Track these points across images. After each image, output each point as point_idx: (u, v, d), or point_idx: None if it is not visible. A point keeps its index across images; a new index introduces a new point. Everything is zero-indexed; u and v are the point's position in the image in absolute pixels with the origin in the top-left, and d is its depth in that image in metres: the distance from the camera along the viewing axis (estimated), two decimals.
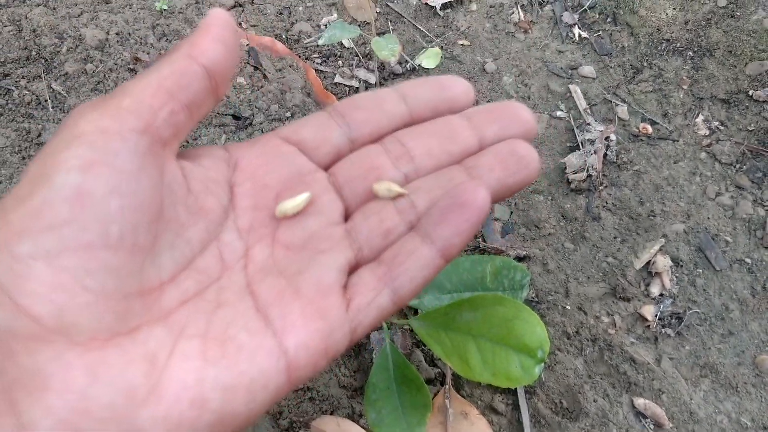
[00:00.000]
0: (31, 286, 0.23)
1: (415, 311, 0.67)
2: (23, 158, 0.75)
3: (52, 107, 0.79)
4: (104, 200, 0.25)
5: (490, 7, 0.95)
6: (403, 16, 0.94)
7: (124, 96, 0.27)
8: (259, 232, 0.31)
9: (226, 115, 0.80)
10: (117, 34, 0.86)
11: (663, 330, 0.67)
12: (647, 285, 0.71)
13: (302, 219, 0.31)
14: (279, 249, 0.31)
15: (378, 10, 0.94)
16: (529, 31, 0.93)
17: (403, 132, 0.34)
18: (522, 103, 0.34)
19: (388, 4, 0.94)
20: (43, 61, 0.83)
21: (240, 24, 0.90)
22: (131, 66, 0.83)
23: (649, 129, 0.82)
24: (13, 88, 0.80)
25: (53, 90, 0.80)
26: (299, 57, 0.87)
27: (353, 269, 0.31)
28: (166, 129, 0.28)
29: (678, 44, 0.90)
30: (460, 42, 0.91)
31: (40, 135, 0.76)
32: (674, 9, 0.92)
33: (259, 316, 0.28)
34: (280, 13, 0.92)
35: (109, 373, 0.24)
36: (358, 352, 0.65)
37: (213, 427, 0.25)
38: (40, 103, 0.79)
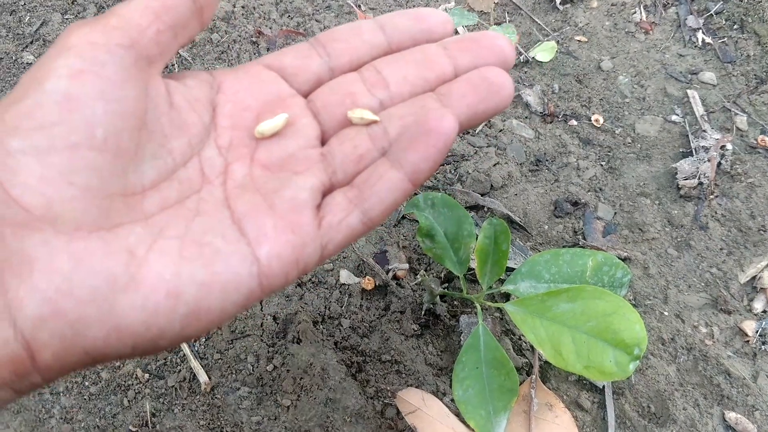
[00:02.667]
0: (21, 179, 0.26)
1: (507, 298, 0.67)
2: None
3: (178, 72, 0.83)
4: (90, 105, 0.27)
5: (612, 5, 0.93)
6: (521, 8, 0.93)
7: (113, 15, 0.29)
8: (239, 150, 0.33)
9: None
10: (243, 7, 0.90)
11: (763, 347, 0.65)
12: (750, 300, 0.68)
13: (280, 140, 0.33)
14: (257, 167, 0.32)
15: (496, 0, 0.94)
16: (650, 32, 0.91)
17: (381, 60, 0.35)
18: (499, 33, 0.35)
19: None
20: None
21: (359, 6, 0.92)
22: (254, 39, 0.87)
23: None
24: None
25: (180, 55, 0.85)
26: None
27: (327, 191, 0.32)
28: (151, 47, 0.30)
29: None
30: (577, 38, 0.90)
31: None
32: None
33: (234, 227, 0.29)
34: None
35: (92, 260, 0.26)
36: (446, 333, 0.66)
37: (187, 317, 0.27)
38: (166, 67, 0.84)
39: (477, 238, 0.56)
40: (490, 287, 0.57)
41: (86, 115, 0.27)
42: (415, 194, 0.71)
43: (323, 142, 0.34)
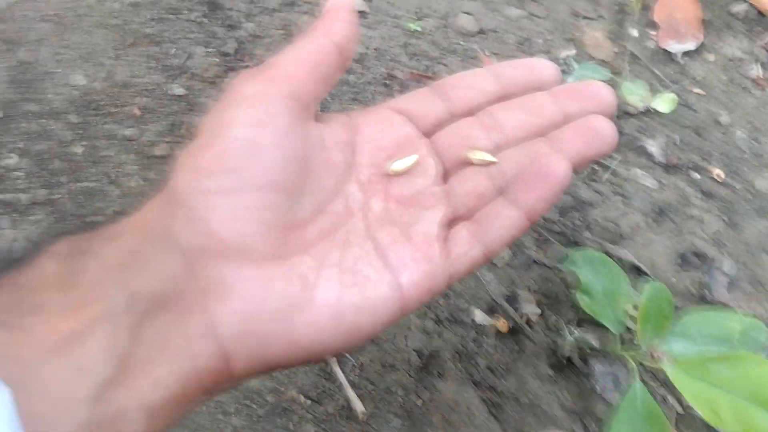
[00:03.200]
0: (219, 216, 0.30)
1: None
2: None
3: (318, 110, 0.88)
4: (269, 151, 0.32)
5: (728, 60, 0.96)
6: (639, 59, 0.97)
7: (277, 68, 0.34)
8: (375, 186, 0.37)
9: None
10: (375, 50, 0.95)
11: None
12: None
13: (409, 178, 0.37)
14: (391, 202, 0.37)
15: (615, 50, 0.98)
16: (766, 89, 0.93)
17: (496, 106, 0.39)
18: (602, 82, 0.38)
19: (626, 44, 0.98)
20: None
21: (483, 51, 0.96)
22: (386, 81, 0.92)
23: None
24: None
25: None
26: None
27: (450, 225, 0.36)
28: (308, 95, 0.34)
29: None
30: (695, 90, 0.93)
31: None
32: None
33: (378, 256, 0.34)
34: (520, 44, 0.98)
35: (275, 286, 0.31)
36: (578, 378, 0.70)
37: (346, 335, 0.32)
38: None
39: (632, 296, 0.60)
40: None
41: (266, 160, 0.32)
42: (570, 252, 0.75)
43: (444, 179, 0.38)
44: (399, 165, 0.37)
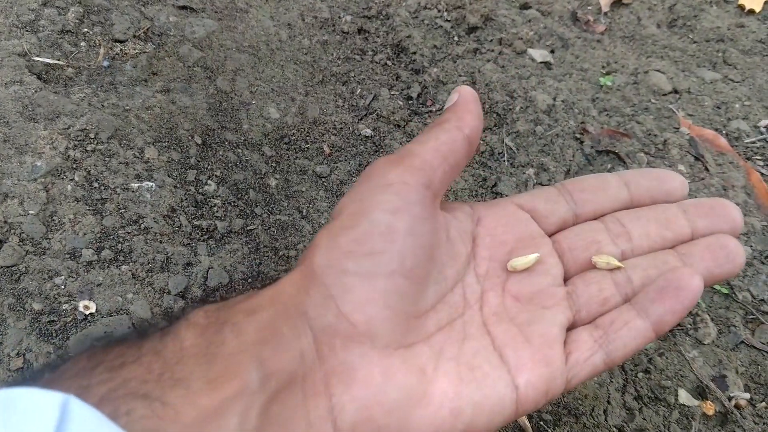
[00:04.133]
0: (352, 298, 0.30)
1: None
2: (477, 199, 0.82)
3: (506, 160, 0.86)
4: (405, 238, 0.31)
5: None
6: None
7: (415, 157, 0.34)
8: (493, 280, 0.36)
9: None
10: (563, 101, 0.92)
11: None
12: None
13: (529, 275, 0.36)
14: (508, 298, 0.36)
15: None
16: None
17: (623, 213, 0.38)
18: (731, 202, 0.37)
19: None
20: (495, 115, 0.91)
21: (677, 111, 0.92)
22: (577, 135, 0.89)
23: None
24: None
25: (505, 144, 0.88)
26: (740, 156, 0.87)
27: (570, 327, 0.35)
28: (439, 184, 0.34)
29: None
30: None
31: (495, 185, 0.83)
32: None
33: (496, 354, 0.33)
34: (717, 107, 0.93)
35: (397, 375, 0.30)
36: None
37: None
38: (493, 155, 0.87)
39: None
40: None
41: (401, 247, 0.31)
42: None
43: (564, 281, 0.37)
44: (519, 262, 0.36)
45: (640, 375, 0.70)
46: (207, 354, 0.26)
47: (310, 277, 0.31)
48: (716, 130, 0.90)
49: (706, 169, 0.85)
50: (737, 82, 0.96)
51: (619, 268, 0.36)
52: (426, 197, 0.33)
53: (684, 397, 0.68)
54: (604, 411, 0.66)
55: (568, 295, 0.36)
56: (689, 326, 0.73)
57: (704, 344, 0.72)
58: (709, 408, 0.67)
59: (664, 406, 0.68)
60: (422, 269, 0.33)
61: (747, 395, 0.68)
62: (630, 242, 0.37)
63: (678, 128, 0.89)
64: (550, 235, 0.39)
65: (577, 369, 0.34)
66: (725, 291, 0.74)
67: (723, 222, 0.37)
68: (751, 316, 0.73)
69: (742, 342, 0.72)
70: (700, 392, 0.69)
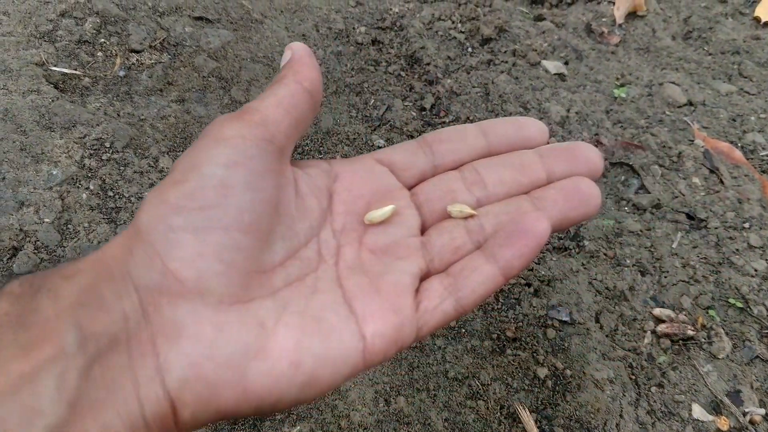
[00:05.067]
0: (180, 253, 0.29)
1: None
2: None
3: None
4: (241, 192, 0.31)
5: None
6: None
7: (255, 112, 0.33)
8: (350, 234, 0.36)
9: (680, 212, 0.82)
10: (576, 113, 0.92)
11: None
12: None
13: (386, 228, 0.37)
14: (365, 251, 0.36)
15: None
16: None
17: (480, 162, 0.38)
18: (590, 144, 0.37)
19: None
20: None
21: (691, 123, 0.91)
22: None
23: None
24: None
25: None
26: (755, 169, 0.86)
27: (424, 277, 0.35)
28: (283, 139, 0.33)
29: None
30: None
31: None
32: None
33: (345, 305, 0.32)
34: (732, 120, 0.92)
35: (230, 330, 0.29)
36: None
37: (304, 385, 0.30)
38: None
39: None
40: None
41: (237, 202, 0.31)
42: None
43: (422, 232, 0.37)
44: (375, 215, 0.36)
45: (654, 389, 0.69)
46: (20, 321, 0.26)
47: (135, 236, 0.30)
48: (731, 142, 0.89)
49: (721, 181, 0.84)
50: (753, 94, 0.95)
51: (472, 215, 0.37)
52: (268, 152, 0.33)
53: (698, 412, 0.68)
54: (617, 425, 0.66)
55: (423, 245, 0.36)
56: (703, 340, 0.72)
57: (719, 358, 0.71)
58: (724, 423, 0.66)
59: (677, 421, 0.67)
60: (265, 224, 0.32)
61: (762, 411, 0.67)
62: (485, 189, 0.38)
63: (693, 140, 0.89)
64: (410, 188, 0.39)
65: (427, 317, 0.33)
66: (740, 305, 0.74)
67: (580, 165, 0.37)
68: (766, 331, 0.73)
69: (757, 357, 0.71)
70: (715, 407, 0.68)
